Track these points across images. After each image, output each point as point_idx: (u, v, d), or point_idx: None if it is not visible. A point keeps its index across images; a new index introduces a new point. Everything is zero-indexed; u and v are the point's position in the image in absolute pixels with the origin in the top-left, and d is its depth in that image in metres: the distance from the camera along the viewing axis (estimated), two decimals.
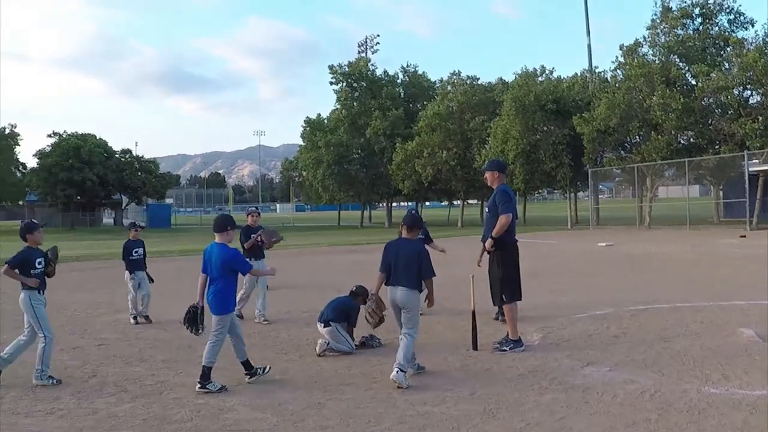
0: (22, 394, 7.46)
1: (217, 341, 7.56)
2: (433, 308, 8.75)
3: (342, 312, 9.48)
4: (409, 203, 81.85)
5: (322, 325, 9.38)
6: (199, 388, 7.38)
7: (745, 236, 28.78)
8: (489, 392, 7.10)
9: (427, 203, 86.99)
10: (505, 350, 8.97)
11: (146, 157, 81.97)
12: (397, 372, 7.39)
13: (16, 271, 8.02)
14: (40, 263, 8.24)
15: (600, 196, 49.37)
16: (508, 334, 9.19)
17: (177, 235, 47.64)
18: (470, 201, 63.63)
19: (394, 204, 72.26)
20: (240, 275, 8.00)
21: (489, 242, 9.02)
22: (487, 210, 9.47)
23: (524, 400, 6.80)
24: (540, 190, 69.09)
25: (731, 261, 19.18)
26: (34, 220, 8.89)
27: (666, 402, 6.54)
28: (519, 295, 9.23)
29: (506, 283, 9.10)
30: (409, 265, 7.78)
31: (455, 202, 63.85)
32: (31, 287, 8.06)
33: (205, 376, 7.43)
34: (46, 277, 8.31)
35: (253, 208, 14.06)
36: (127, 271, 12.32)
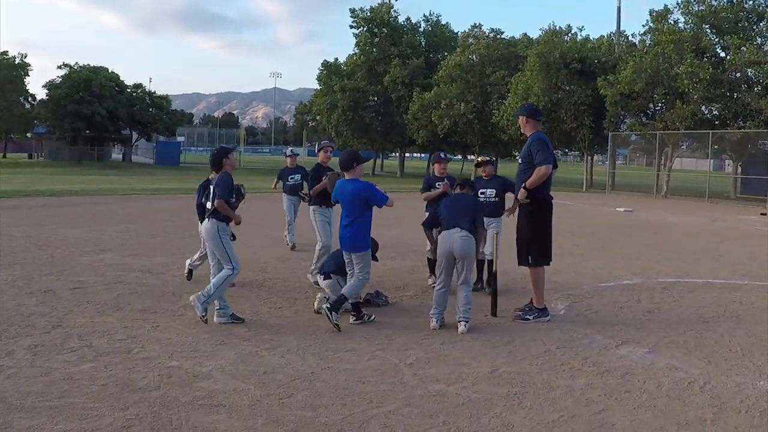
0: None
1: (363, 278, 7.67)
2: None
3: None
4: (422, 154, 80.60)
5: (323, 277, 8.41)
6: (354, 320, 7.69)
7: (765, 214, 27.66)
8: (512, 371, 6.12)
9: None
10: (528, 319, 8.01)
11: (160, 94, 79.12)
12: (465, 325, 7.47)
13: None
14: (233, 195, 7.76)
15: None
16: (531, 301, 8.21)
17: (185, 173, 46.59)
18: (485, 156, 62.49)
19: (407, 154, 70.81)
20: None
21: (522, 192, 7.94)
22: (519, 160, 8.35)
23: (554, 383, 5.82)
24: (556, 150, 68.00)
25: (757, 239, 18.05)
26: (225, 145, 8.26)
27: (719, 398, 5.60)
28: (548, 258, 8.18)
29: (535, 243, 8.07)
30: (468, 214, 7.88)
31: (470, 157, 62.35)
32: (220, 218, 7.62)
33: (357, 309, 7.77)
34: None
35: (326, 142, 11.18)
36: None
